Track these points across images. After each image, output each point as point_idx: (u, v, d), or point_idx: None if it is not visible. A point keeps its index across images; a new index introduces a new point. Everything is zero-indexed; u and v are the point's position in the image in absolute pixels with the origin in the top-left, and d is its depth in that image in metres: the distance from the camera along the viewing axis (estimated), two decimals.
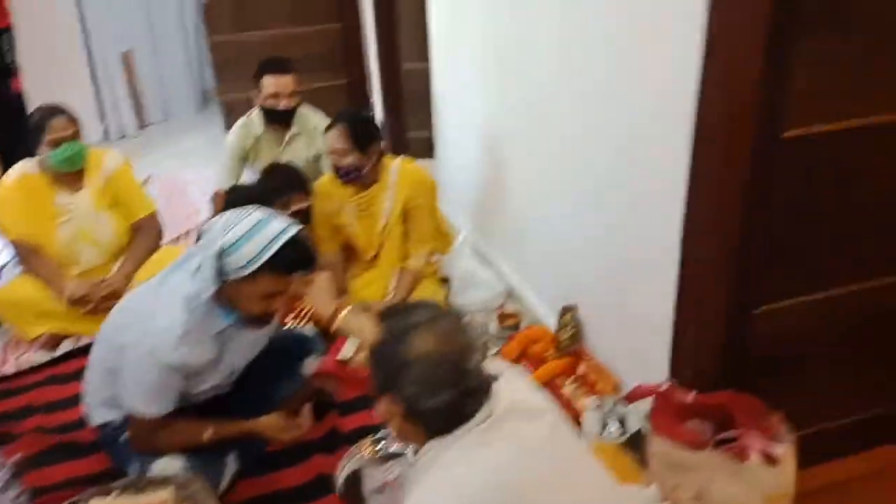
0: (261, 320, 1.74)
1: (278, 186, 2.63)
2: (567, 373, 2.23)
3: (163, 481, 1.64)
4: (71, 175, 2.68)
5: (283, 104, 2.96)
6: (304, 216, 2.66)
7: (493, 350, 2.45)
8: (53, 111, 2.57)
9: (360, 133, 2.43)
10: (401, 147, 4.32)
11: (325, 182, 2.62)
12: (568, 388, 2.17)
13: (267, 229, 1.60)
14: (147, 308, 1.71)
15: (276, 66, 2.95)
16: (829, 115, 1.44)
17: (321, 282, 1.91)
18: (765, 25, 1.31)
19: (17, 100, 3.89)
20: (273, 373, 2.06)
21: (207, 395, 1.89)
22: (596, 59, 1.88)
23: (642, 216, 1.81)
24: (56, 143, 2.55)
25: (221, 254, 1.59)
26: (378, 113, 4.44)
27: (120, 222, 2.79)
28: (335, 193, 2.56)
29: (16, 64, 3.93)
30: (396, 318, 1.20)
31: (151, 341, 1.65)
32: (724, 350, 1.67)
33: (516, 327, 2.54)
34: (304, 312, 2.50)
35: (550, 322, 2.41)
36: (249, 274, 1.59)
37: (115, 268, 2.72)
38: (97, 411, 1.91)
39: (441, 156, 3.46)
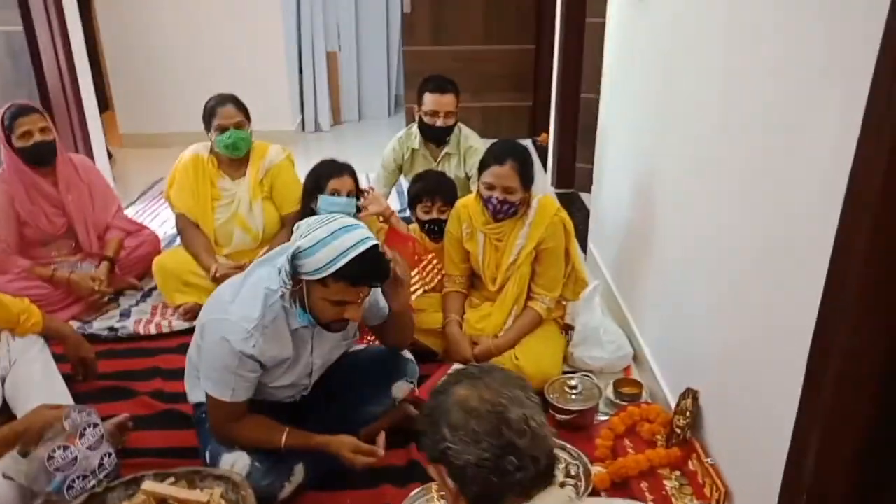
0: (335, 325, 1.76)
1: (429, 189, 2.71)
2: (674, 465, 1.95)
3: (219, 478, 1.66)
4: (235, 161, 2.87)
5: (439, 122, 2.98)
6: (438, 226, 2.64)
7: (602, 417, 2.23)
8: (225, 99, 2.76)
9: (528, 170, 2.34)
10: (566, 176, 4.17)
11: (466, 204, 2.53)
12: (671, 484, 1.91)
13: (342, 239, 1.61)
14: (229, 296, 1.76)
15: (438, 84, 2.97)
16: None
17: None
18: None
19: None
20: (361, 391, 2.03)
21: (285, 393, 1.91)
22: (754, 126, 1.61)
23: (779, 301, 1.51)
24: (222, 129, 2.74)
25: (297, 255, 1.63)
26: (550, 140, 4.31)
27: (273, 212, 2.93)
28: (472, 218, 2.47)
29: None
30: (450, 377, 1.16)
31: (226, 327, 1.70)
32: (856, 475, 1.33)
33: (634, 398, 2.29)
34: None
35: (671, 402, 2.13)
36: (320, 279, 1.62)
37: (260, 254, 2.85)
38: (192, 391, 1.98)
39: (595, 192, 3.24)
